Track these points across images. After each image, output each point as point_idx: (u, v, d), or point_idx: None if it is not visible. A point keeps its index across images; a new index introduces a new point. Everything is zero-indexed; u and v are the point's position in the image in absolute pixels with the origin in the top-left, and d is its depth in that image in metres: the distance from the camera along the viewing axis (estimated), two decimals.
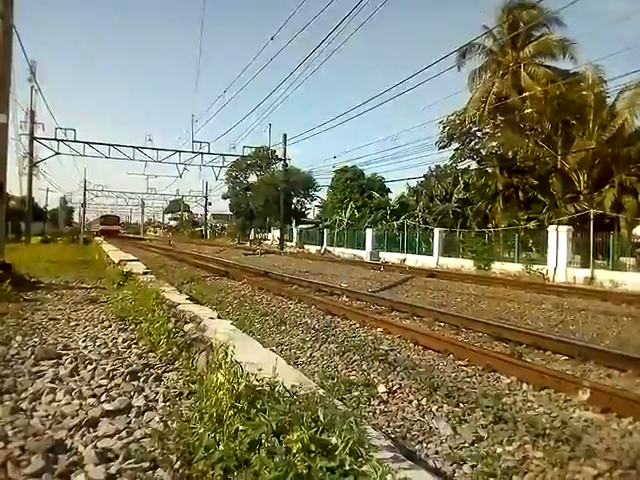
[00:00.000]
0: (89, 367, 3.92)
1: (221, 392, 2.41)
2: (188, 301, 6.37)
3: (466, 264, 21.59)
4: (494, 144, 27.95)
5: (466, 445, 3.56)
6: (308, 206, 59.55)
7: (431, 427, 3.87)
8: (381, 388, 4.73)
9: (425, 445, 3.57)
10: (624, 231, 20.74)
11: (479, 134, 31.26)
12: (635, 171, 22.70)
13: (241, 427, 2.13)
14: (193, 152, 35.00)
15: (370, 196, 40.66)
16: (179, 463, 2.20)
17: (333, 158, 48.68)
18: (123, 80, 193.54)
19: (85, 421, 2.80)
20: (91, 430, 2.72)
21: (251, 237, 53.75)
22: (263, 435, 2.02)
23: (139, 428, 2.74)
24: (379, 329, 7.67)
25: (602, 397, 4.47)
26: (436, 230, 25.70)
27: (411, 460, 2.05)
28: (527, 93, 24.24)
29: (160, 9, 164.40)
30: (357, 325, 8.09)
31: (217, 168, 38.72)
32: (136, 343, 4.84)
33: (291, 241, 42.41)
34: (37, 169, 36.36)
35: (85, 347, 4.64)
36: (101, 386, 3.47)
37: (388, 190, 43.79)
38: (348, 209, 40.29)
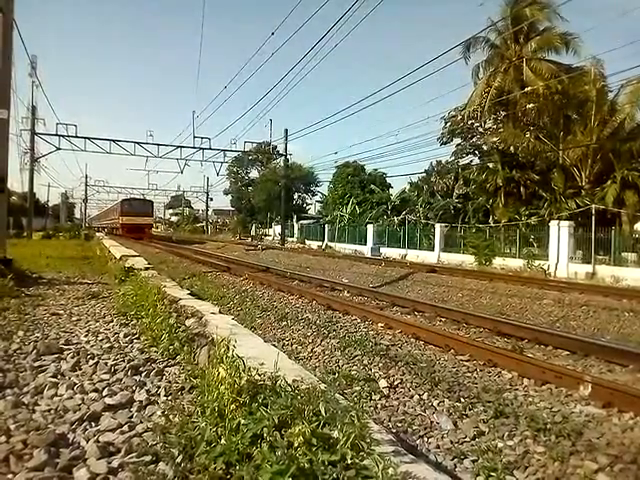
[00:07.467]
0: (91, 362, 3.92)
1: (223, 386, 2.41)
2: (189, 296, 6.36)
3: (467, 259, 21.55)
4: (495, 139, 27.83)
5: (467, 440, 3.57)
6: (309, 202, 59.58)
7: (432, 422, 3.88)
8: (382, 383, 4.73)
9: (426, 439, 3.58)
10: (626, 226, 20.69)
11: (480, 130, 31.16)
12: (637, 166, 22.60)
13: (243, 421, 2.13)
14: (194, 147, 35.01)
15: (371, 191, 40.56)
16: (181, 457, 2.20)
17: (334, 154, 48.44)
18: (124, 75, 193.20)
19: (87, 415, 2.81)
20: (93, 424, 2.73)
21: (252, 233, 53.72)
22: (265, 429, 2.02)
23: (141, 422, 2.75)
24: (380, 324, 7.68)
25: (603, 392, 4.48)
26: (437, 225, 25.66)
27: (412, 454, 2.05)
28: (529, 88, 24.12)
29: (161, 2, 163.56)
30: (358, 320, 8.10)
31: (218, 164, 38.77)
32: (138, 338, 4.85)
33: (292, 237, 42.38)
34: (38, 165, 36.49)
35: (87, 342, 4.66)
36: (103, 380, 3.48)
37: (389, 185, 43.74)
38: (349, 205, 40.20)
